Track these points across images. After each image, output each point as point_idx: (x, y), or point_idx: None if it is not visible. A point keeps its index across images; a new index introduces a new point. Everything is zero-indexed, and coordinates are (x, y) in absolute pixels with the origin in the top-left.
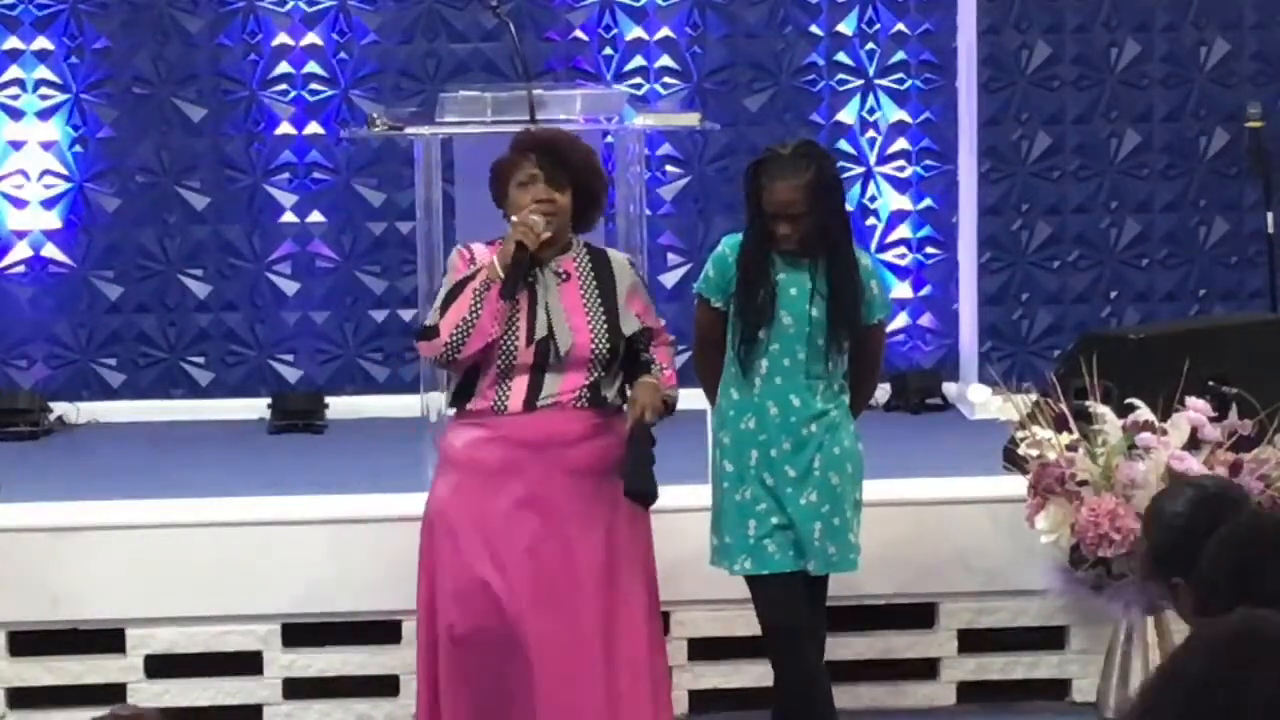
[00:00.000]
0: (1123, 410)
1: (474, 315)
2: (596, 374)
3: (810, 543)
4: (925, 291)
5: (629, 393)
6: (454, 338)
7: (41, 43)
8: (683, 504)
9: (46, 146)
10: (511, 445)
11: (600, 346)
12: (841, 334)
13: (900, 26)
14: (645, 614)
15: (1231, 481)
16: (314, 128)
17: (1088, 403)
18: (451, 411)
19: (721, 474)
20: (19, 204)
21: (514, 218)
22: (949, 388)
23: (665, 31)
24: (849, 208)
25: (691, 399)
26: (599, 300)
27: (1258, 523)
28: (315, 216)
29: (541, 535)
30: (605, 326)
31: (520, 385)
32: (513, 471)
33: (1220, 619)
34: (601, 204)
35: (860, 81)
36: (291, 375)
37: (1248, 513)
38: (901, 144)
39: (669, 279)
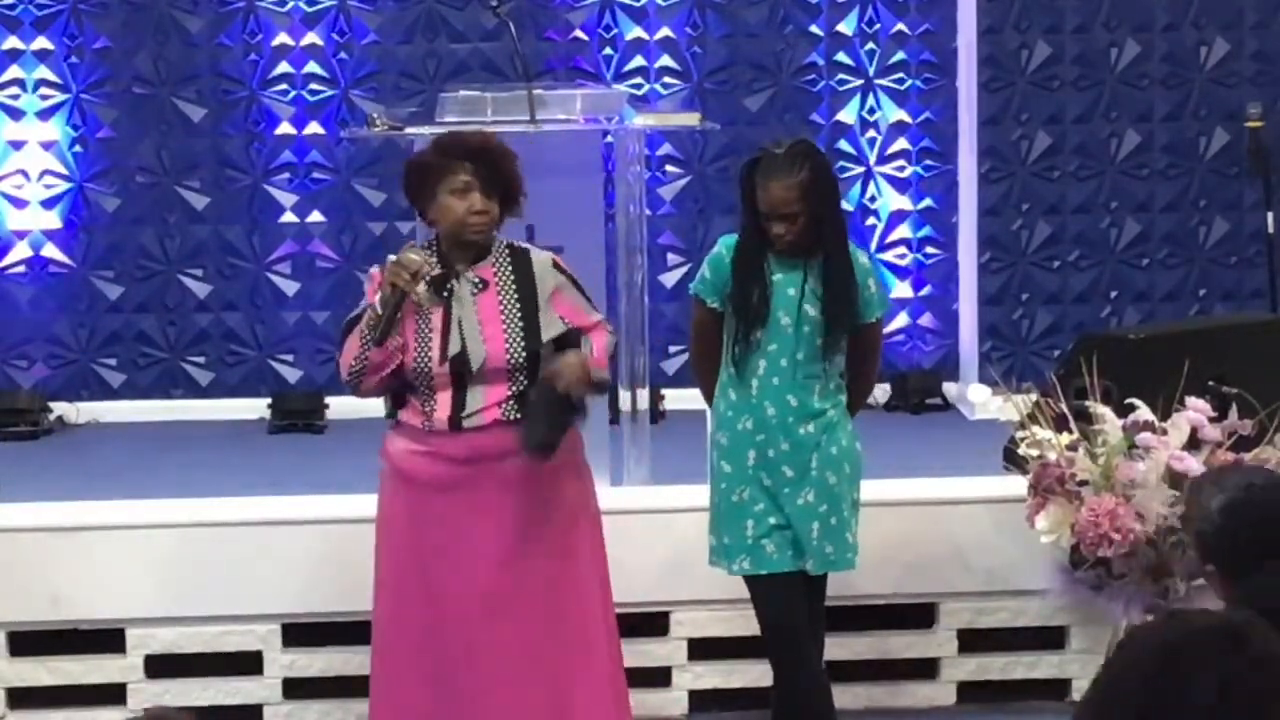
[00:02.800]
0: (1123, 410)
1: (364, 354)
2: (520, 384)
3: (808, 542)
4: (925, 291)
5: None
6: (351, 375)
7: (41, 43)
8: (682, 504)
9: (46, 146)
10: (443, 461)
11: (516, 356)
12: (838, 333)
13: (900, 26)
14: (603, 627)
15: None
16: (314, 128)
17: (1088, 403)
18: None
19: (719, 474)
20: (19, 204)
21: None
22: (949, 388)
23: (665, 31)
24: (849, 208)
25: (692, 399)
26: (518, 307)
27: (1259, 496)
28: (315, 216)
29: (474, 548)
30: (522, 334)
31: (445, 400)
32: (447, 487)
33: (1148, 624)
34: (520, 207)
35: (860, 81)
36: (291, 375)
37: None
38: (901, 144)
39: (669, 279)
